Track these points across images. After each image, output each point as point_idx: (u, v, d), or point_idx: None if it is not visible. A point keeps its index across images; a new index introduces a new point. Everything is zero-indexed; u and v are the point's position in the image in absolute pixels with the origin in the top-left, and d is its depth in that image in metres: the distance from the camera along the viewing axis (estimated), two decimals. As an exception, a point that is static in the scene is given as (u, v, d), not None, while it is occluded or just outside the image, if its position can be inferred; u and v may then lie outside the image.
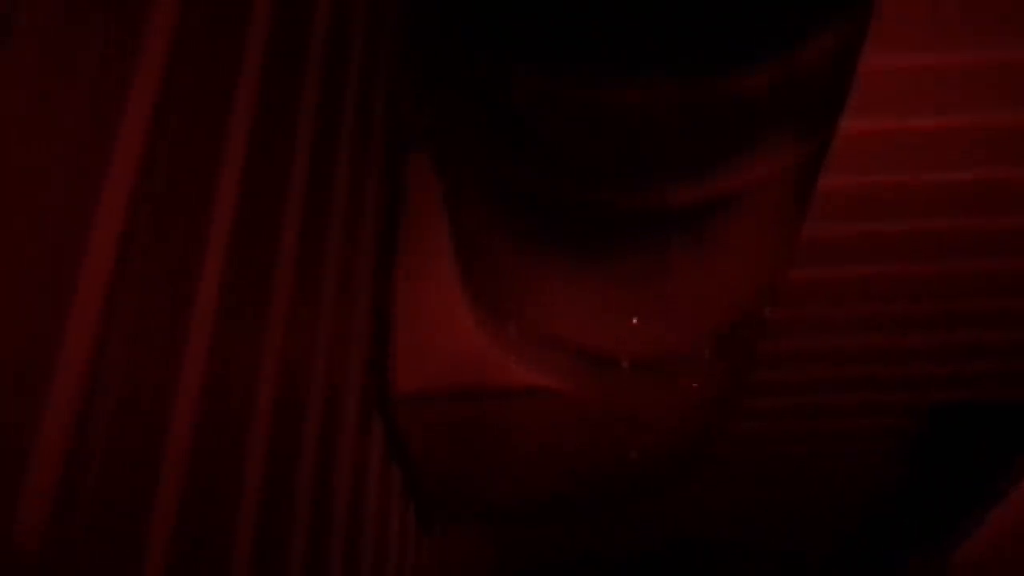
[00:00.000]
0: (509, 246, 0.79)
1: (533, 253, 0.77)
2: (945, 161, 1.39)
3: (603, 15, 0.56)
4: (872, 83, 1.25)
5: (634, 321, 0.83)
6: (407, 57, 1.13)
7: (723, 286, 0.80)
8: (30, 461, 0.35)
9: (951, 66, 1.24)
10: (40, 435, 0.36)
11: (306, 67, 0.73)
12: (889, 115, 1.31)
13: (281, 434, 0.64)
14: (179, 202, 0.49)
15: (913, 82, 1.26)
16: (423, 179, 1.06)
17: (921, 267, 1.63)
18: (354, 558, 0.86)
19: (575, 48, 0.58)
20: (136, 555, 0.44)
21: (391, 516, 1.05)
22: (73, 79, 0.38)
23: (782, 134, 0.64)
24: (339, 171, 0.83)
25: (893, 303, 1.73)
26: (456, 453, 1.11)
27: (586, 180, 0.66)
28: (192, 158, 0.51)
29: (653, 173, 0.64)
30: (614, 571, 2.96)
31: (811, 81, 0.61)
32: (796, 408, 2.11)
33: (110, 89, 0.42)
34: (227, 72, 0.56)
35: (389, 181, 1.05)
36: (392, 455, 1.07)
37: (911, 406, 2.11)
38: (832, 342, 1.86)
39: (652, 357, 0.92)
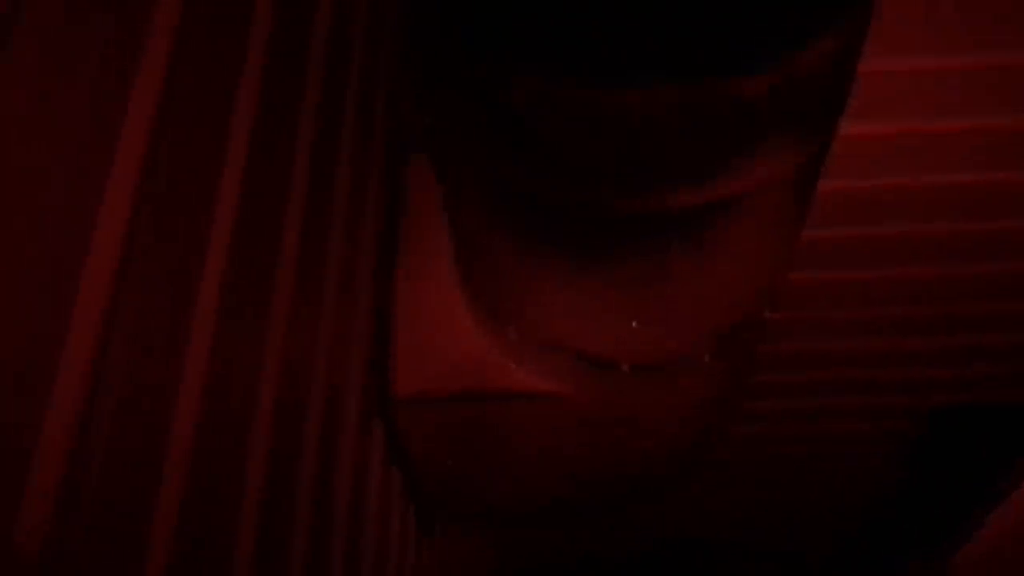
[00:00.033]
0: (509, 248, 0.79)
1: (533, 255, 0.77)
2: (945, 164, 1.39)
3: (604, 17, 0.56)
4: (871, 86, 1.25)
5: (634, 323, 0.83)
6: (407, 58, 1.13)
7: (723, 288, 0.81)
8: (32, 461, 0.35)
9: (950, 69, 1.24)
10: (42, 435, 0.36)
11: (307, 67, 0.73)
12: (888, 118, 1.32)
13: (282, 434, 0.65)
14: (181, 202, 0.49)
15: (912, 85, 1.26)
16: (423, 179, 1.06)
17: (921, 270, 1.63)
18: (355, 559, 0.86)
19: (576, 50, 0.58)
20: (137, 555, 0.44)
21: (392, 517, 1.05)
22: (74, 79, 0.39)
23: (782, 137, 0.64)
24: (340, 171, 0.83)
25: (893, 306, 1.73)
26: (456, 455, 1.11)
27: (586, 182, 0.66)
28: (194, 158, 0.51)
29: (653, 175, 0.64)
30: (614, 572, 2.95)
31: (811, 84, 0.61)
32: (796, 410, 2.11)
33: (111, 89, 0.42)
34: (229, 72, 0.56)
35: (389, 181, 1.05)
36: (392, 456, 1.07)
37: (911, 408, 2.11)
38: (832, 344, 1.86)
39: (652, 359, 0.92)
